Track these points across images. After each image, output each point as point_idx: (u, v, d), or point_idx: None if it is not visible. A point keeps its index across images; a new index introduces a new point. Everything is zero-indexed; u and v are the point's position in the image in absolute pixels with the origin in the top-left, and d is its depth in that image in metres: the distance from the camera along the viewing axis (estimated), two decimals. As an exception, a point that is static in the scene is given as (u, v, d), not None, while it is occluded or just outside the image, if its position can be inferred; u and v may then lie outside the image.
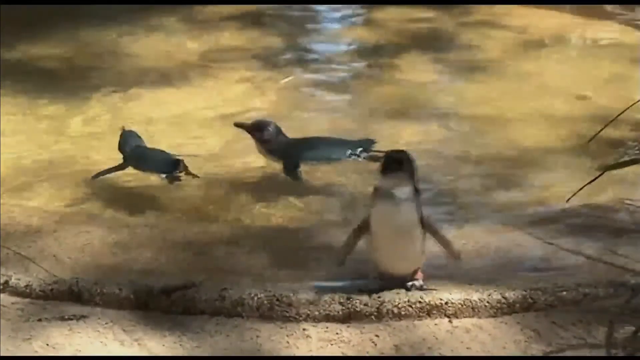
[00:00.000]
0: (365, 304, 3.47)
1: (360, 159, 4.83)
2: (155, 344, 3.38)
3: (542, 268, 3.78)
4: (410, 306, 3.46)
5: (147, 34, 7.16)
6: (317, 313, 3.47)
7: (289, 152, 4.88)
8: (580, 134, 5.19)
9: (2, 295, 3.65)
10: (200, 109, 5.81)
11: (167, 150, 4.87)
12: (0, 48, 6.62)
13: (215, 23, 7.42)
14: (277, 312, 3.48)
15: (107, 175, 4.87)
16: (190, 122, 5.62)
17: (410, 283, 3.52)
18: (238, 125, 4.96)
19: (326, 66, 6.64)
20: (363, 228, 3.53)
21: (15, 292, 3.65)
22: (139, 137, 5.01)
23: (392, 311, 3.46)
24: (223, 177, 4.97)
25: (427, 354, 3.31)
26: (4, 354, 3.31)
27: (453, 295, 3.49)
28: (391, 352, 3.32)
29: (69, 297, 3.61)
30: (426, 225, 3.49)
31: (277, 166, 4.92)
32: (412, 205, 3.45)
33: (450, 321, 3.46)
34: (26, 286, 3.65)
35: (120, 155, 4.91)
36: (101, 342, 3.38)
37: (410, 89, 6.08)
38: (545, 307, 3.50)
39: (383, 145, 4.72)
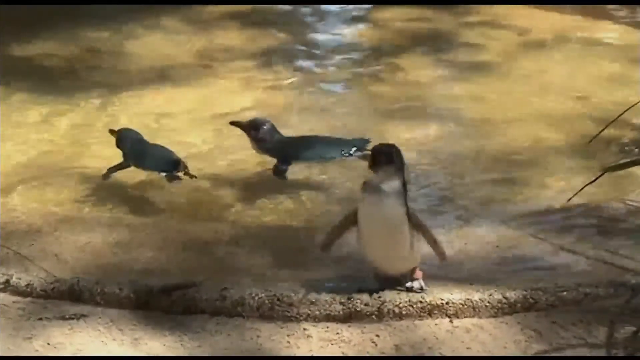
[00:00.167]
0: (366, 304, 3.47)
1: (354, 158, 4.85)
2: (156, 344, 3.38)
3: (543, 268, 3.79)
4: (411, 306, 3.46)
5: (146, 33, 7.16)
6: (317, 313, 3.47)
7: (283, 150, 4.91)
8: (581, 134, 5.19)
9: (3, 294, 3.65)
10: (201, 108, 5.80)
11: (166, 146, 4.89)
12: (0, 47, 6.62)
13: (214, 22, 7.42)
14: (278, 312, 3.48)
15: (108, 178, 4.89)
16: (190, 122, 5.62)
17: (409, 284, 3.52)
18: (234, 124, 4.98)
19: (327, 65, 6.64)
20: (350, 219, 3.52)
21: (16, 291, 3.65)
22: (139, 134, 5.02)
23: (393, 311, 3.46)
24: (223, 176, 4.97)
25: (428, 353, 3.31)
26: (5, 352, 3.31)
27: (454, 295, 3.49)
28: (392, 352, 3.32)
29: (69, 297, 3.61)
30: (413, 221, 3.47)
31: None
32: (398, 200, 3.44)
33: (451, 321, 3.46)
34: (27, 285, 3.65)
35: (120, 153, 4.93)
36: (102, 341, 3.38)
37: (411, 89, 6.08)
38: (545, 307, 3.50)
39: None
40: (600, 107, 5.52)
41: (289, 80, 6.25)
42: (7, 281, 3.67)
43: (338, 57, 6.81)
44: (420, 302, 3.47)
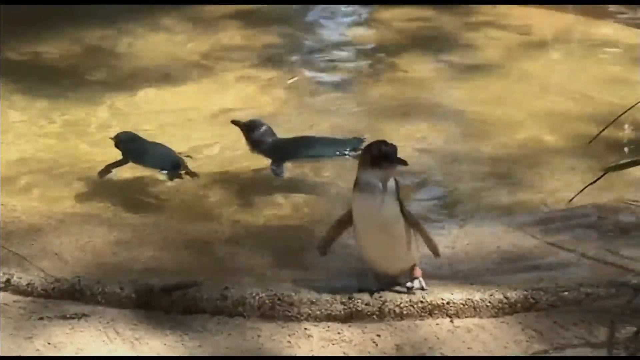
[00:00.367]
0: (367, 304, 3.46)
1: (349, 158, 4.87)
2: (157, 343, 3.38)
3: (544, 268, 3.78)
4: (412, 306, 3.46)
5: (147, 33, 7.16)
6: (318, 312, 3.47)
7: (278, 152, 4.95)
8: (582, 134, 5.18)
9: (4, 293, 3.65)
10: (201, 108, 5.81)
11: (166, 144, 4.89)
12: (0, 47, 6.62)
13: (216, 22, 7.42)
14: (279, 312, 3.48)
15: (108, 175, 4.88)
16: (191, 121, 5.62)
17: (409, 284, 3.52)
18: (234, 122, 5.03)
19: (328, 65, 6.64)
20: (345, 219, 3.51)
21: (17, 290, 3.65)
22: (137, 135, 5.02)
23: (394, 311, 3.46)
24: (224, 175, 4.98)
25: (429, 353, 3.31)
26: (5, 352, 3.31)
27: (455, 295, 3.49)
28: (392, 352, 3.31)
29: (70, 296, 3.61)
30: (407, 218, 3.46)
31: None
32: (392, 197, 3.42)
33: (451, 321, 3.45)
34: (28, 285, 3.65)
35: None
36: (102, 340, 3.38)
37: (411, 89, 6.08)
38: (546, 307, 3.49)
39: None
40: (601, 108, 5.52)
41: (291, 80, 6.25)
42: (8, 280, 3.67)
43: (339, 57, 6.81)
44: (421, 302, 3.47)
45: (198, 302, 3.54)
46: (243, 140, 5.00)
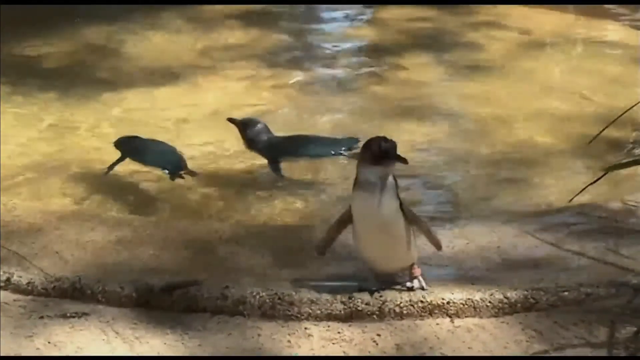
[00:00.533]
0: (367, 303, 3.46)
1: (343, 157, 4.87)
2: (157, 342, 3.38)
3: (544, 268, 3.78)
4: (412, 305, 3.46)
5: (147, 32, 7.17)
6: (319, 312, 3.47)
7: (273, 150, 4.97)
8: (583, 134, 5.19)
9: (4, 292, 3.65)
10: (202, 108, 5.81)
11: (166, 142, 4.90)
12: (0, 47, 6.62)
13: (218, 22, 7.43)
14: (279, 311, 3.48)
15: (109, 175, 4.89)
16: (192, 121, 5.63)
17: (409, 284, 3.52)
18: (230, 120, 5.06)
19: (329, 65, 6.65)
20: (344, 218, 3.51)
21: (18, 289, 3.65)
22: (137, 136, 5.03)
23: (394, 310, 3.46)
24: (224, 175, 4.98)
25: (429, 353, 3.31)
26: (6, 351, 3.31)
27: (455, 295, 3.49)
28: (393, 352, 3.31)
29: (71, 295, 3.61)
30: (407, 215, 3.45)
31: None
32: (392, 195, 3.41)
33: (452, 321, 3.45)
34: (28, 283, 3.65)
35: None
36: (103, 339, 3.38)
37: (413, 88, 6.09)
38: (547, 307, 3.49)
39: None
40: (601, 108, 5.53)
41: (293, 80, 6.25)
42: (8, 279, 3.67)
43: (340, 57, 6.82)
44: (422, 301, 3.47)
45: (198, 301, 3.54)
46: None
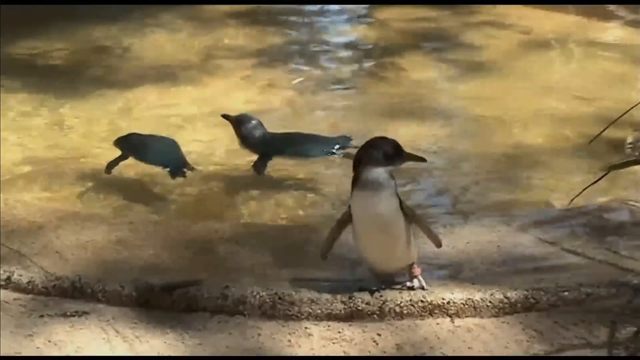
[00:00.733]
0: (368, 303, 3.46)
1: (336, 156, 4.88)
2: (157, 342, 3.38)
3: (544, 268, 3.78)
4: (413, 305, 3.46)
5: (148, 32, 7.17)
6: (319, 312, 3.46)
7: (266, 147, 4.97)
8: (584, 134, 5.19)
9: (4, 291, 3.64)
10: (202, 107, 5.81)
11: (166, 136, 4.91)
12: (0, 46, 6.62)
13: (218, 21, 7.43)
14: (279, 311, 3.48)
15: (110, 174, 4.89)
16: (192, 120, 5.63)
17: (409, 283, 3.52)
18: (225, 116, 5.06)
19: (329, 65, 6.65)
20: (345, 219, 3.50)
21: (18, 288, 3.65)
22: (138, 133, 5.03)
23: (395, 310, 3.46)
24: (224, 174, 4.98)
25: (429, 353, 3.30)
26: (6, 349, 3.31)
27: (455, 294, 3.49)
28: (393, 351, 3.31)
29: (71, 294, 3.61)
30: (407, 213, 3.45)
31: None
32: (392, 193, 3.41)
33: (452, 321, 3.45)
34: (28, 282, 3.65)
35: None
36: (103, 338, 3.38)
37: (413, 88, 6.09)
38: (547, 307, 3.49)
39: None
40: (603, 107, 5.53)
41: (296, 81, 6.25)
42: (9, 278, 3.67)
43: (340, 57, 6.82)
44: (422, 301, 3.47)
45: (199, 301, 3.54)
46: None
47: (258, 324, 3.45)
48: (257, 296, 3.51)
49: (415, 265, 3.53)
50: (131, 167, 4.96)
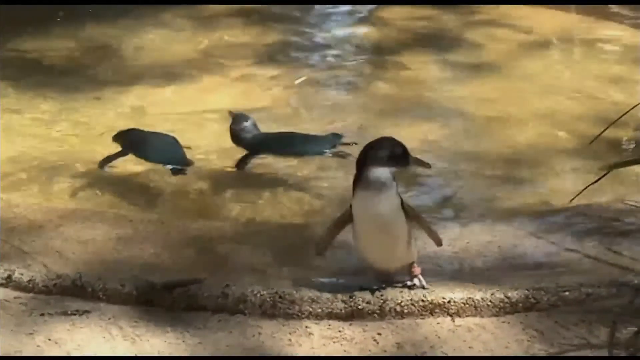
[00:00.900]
0: (368, 302, 3.46)
1: (327, 154, 4.88)
2: (158, 340, 3.38)
3: (545, 267, 3.78)
4: (413, 304, 3.46)
5: (150, 31, 7.17)
6: (319, 311, 3.47)
7: (257, 146, 4.99)
8: (585, 134, 5.18)
9: (5, 289, 3.65)
10: (204, 106, 5.81)
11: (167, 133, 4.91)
12: (0, 45, 6.62)
13: (219, 20, 7.42)
14: (280, 310, 3.48)
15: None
16: (193, 119, 5.62)
17: (410, 283, 3.52)
18: (231, 113, 5.09)
19: (330, 64, 6.64)
20: (344, 217, 3.50)
21: (18, 286, 3.65)
22: (139, 129, 5.04)
23: (395, 309, 3.46)
24: (225, 173, 4.98)
25: (430, 352, 3.31)
26: (6, 348, 3.31)
27: (456, 294, 3.49)
28: (393, 350, 3.31)
29: (72, 292, 3.61)
30: (408, 212, 3.45)
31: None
32: (393, 192, 3.41)
33: (452, 320, 3.45)
34: (29, 281, 3.65)
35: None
36: (104, 337, 3.38)
37: (414, 88, 6.08)
38: (547, 306, 3.49)
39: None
40: (603, 107, 5.52)
41: (299, 80, 6.25)
42: (9, 276, 3.67)
43: (341, 56, 6.81)
44: (422, 300, 3.47)
45: (199, 300, 3.54)
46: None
47: (258, 323, 3.45)
48: (258, 295, 3.51)
49: (415, 265, 3.53)
50: (131, 166, 4.96)
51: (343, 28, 7.52)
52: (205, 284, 3.57)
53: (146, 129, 5.13)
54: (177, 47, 6.92)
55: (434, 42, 6.94)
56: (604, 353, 3.26)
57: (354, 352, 3.31)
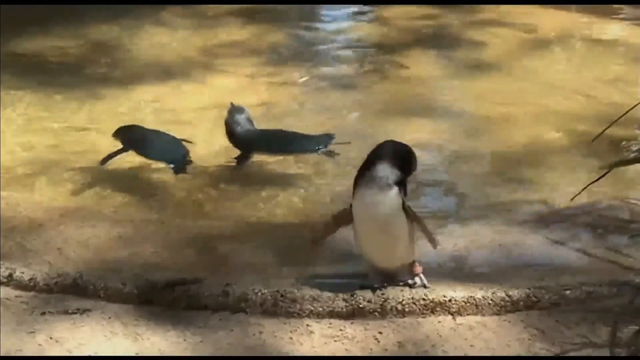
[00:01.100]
0: (369, 301, 3.46)
1: (318, 154, 4.89)
2: (158, 339, 3.38)
3: (546, 266, 3.78)
4: (414, 303, 3.46)
5: (151, 30, 7.18)
6: (320, 309, 3.47)
7: (248, 142, 4.99)
8: (585, 132, 5.19)
9: (6, 288, 3.65)
10: (203, 104, 5.81)
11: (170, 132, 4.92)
12: (0, 45, 6.63)
13: (220, 19, 7.43)
14: (281, 308, 3.48)
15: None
16: (193, 118, 5.62)
17: (411, 281, 3.52)
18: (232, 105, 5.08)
19: (331, 63, 6.65)
20: (345, 215, 3.50)
21: (19, 285, 3.66)
22: (141, 127, 5.04)
23: (396, 308, 3.46)
24: (226, 172, 4.98)
25: (431, 351, 3.30)
26: (8, 346, 3.31)
27: (457, 292, 3.49)
28: (394, 349, 3.31)
29: (73, 291, 3.61)
30: (409, 212, 3.45)
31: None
32: (394, 193, 3.41)
33: (454, 318, 3.45)
34: (30, 279, 3.65)
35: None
36: (104, 335, 3.38)
37: (416, 87, 6.08)
38: (549, 305, 3.49)
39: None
40: (605, 106, 5.52)
41: (302, 79, 6.25)
42: (10, 275, 3.68)
43: (342, 55, 6.82)
44: (423, 299, 3.47)
45: (200, 299, 3.54)
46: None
47: (260, 322, 3.45)
48: (259, 294, 3.51)
49: (416, 264, 3.53)
50: (131, 165, 4.96)
51: (345, 27, 7.52)
52: (206, 283, 3.57)
53: (147, 126, 5.14)
54: (178, 47, 6.93)
55: (435, 41, 6.94)
56: (605, 352, 3.24)
57: (355, 351, 3.31)
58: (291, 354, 3.30)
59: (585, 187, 3.74)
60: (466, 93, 6.00)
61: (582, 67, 6.44)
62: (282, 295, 3.49)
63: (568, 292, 3.52)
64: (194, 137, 5.19)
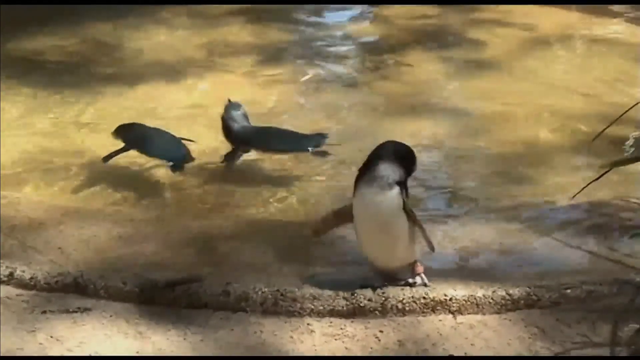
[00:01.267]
0: (370, 300, 3.46)
1: (310, 153, 4.88)
2: (159, 338, 3.38)
3: (546, 265, 3.78)
4: (415, 302, 3.46)
5: (151, 30, 7.17)
6: (321, 308, 3.47)
7: (241, 138, 4.96)
8: (586, 131, 5.19)
9: (7, 287, 3.65)
10: (204, 104, 5.81)
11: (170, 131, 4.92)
12: (0, 45, 6.63)
13: (220, 19, 7.42)
14: (282, 307, 3.48)
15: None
16: (194, 117, 5.62)
17: (412, 280, 3.52)
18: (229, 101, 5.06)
19: (332, 63, 6.64)
20: (345, 212, 3.50)
21: (20, 284, 3.66)
22: (141, 124, 5.04)
23: (397, 307, 3.46)
24: (226, 172, 4.97)
25: (431, 349, 3.30)
26: (8, 345, 3.31)
27: (457, 291, 3.49)
28: (395, 348, 3.31)
29: (73, 290, 3.61)
30: (409, 213, 3.45)
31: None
32: (394, 193, 3.41)
33: (454, 317, 3.45)
34: (31, 278, 3.65)
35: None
36: (105, 334, 3.38)
37: (416, 86, 6.08)
38: (549, 304, 3.49)
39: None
40: (605, 105, 5.52)
41: (305, 78, 6.25)
42: (11, 274, 3.68)
43: (343, 54, 6.82)
44: (424, 298, 3.47)
45: (201, 297, 3.54)
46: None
47: (260, 321, 3.45)
48: (260, 293, 3.51)
49: (418, 263, 3.53)
50: (132, 164, 4.96)
51: (345, 27, 7.51)
52: (207, 282, 3.57)
53: (147, 125, 5.14)
54: (178, 46, 6.92)
55: (436, 40, 6.94)
56: (606, 351, 3.25)
57: (356, 350, 3.31)
58: (292, 353, 3.30)
59: (585, 186, 3.75)
60: (466, 92, 6.00)
61: (582, 66, 6.44)
62: (282, 294, 3.49)
63: (569, 290, 3.52)
64: (194, 135, 5.19)
